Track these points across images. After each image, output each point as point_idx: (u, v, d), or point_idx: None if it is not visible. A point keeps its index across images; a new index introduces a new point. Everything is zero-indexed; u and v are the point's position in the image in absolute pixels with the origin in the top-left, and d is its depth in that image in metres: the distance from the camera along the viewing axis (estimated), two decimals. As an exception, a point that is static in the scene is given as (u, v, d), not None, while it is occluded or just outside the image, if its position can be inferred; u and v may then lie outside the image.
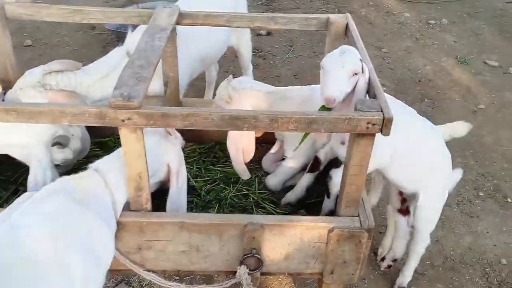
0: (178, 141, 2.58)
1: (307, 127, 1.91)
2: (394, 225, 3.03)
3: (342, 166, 2.24)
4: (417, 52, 5.80)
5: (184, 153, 2.58)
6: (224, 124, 1.93)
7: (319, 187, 2.66)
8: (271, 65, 5.54)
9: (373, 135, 1.94)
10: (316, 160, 2.61)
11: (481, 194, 3.80)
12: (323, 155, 2.57)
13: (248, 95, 2.69)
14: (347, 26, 2.64)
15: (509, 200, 3.74)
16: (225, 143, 2.72)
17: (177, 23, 2.74)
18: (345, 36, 2.67)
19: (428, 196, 2.60)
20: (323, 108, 2.13)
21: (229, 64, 5.40)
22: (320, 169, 2.61)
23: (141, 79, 2.00)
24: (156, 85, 3.04)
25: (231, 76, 2.82)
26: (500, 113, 4.78)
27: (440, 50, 5.85)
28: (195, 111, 1.92)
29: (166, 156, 2.43)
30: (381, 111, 1.90)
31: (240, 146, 2.63)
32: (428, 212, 2.66)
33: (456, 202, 3.67)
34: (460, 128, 2.88)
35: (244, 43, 3.94)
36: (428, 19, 6.59)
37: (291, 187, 2.77)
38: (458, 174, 2.84)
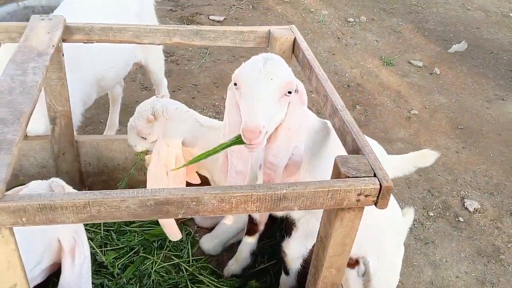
0: None
1: (274, 205, 1.29)
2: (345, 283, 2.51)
3: (297, 234, 1.67)
4: (341, 53, 5.45)
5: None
6: (147, 212, 1.24)
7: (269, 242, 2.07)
8: (187, 72, 4.82)
9: (363, 207, 1.38)
10: (251, 221, 2.01)
11: (431, 214, 3.49)
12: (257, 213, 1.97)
13: (182, 117, 2.02)
14: (294, 42, 2.04)
15: (460, 219, 3.46)
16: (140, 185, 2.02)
17: (64, 40, 1.95)
18: (293, 55, 2.08)
19: (380, 261, 2.06)
20: (235, 142, 1.48)
21: (136, 71, 4.59)
22: (260, 230, 2.03)
23: (3, 146, 1.23)
24: (39, 124, 2.22)
25: (160, 94, 2.19)
26: (434, 118, 4.57)
27: (364, 51, 5.56)
28: (98, 197, 1.20)
29: (55, 229, 1.67)
30: (374, 175, 1.34)
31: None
32: (384, 278, 2.14)
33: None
34: (426, 158, 2.45)
35: (153, 58, 3.19)
36: (346, 17, 6.29)
37: (235, 247, 2.14)
38: (410, 216, 2.39)
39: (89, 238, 2.12)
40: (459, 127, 4.49)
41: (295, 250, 1.77)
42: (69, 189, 1.74)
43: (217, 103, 4.38)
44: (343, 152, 1.57)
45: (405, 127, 4.38)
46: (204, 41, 2.06)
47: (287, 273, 1.90)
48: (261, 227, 2.00)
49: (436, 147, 4.17)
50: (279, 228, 2.24)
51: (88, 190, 2.47)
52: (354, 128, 1.50)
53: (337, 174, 1.36)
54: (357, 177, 1.32)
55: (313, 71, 1.82)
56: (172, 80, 4.58)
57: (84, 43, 2.00)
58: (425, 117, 4.58)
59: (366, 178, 1.32)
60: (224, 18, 5.80)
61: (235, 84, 1.45)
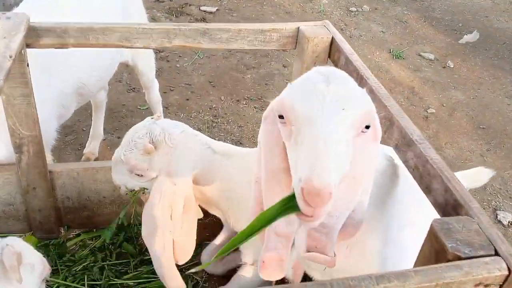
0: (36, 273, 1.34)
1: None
2: None
3: None
4: (346, 46, 4.98)
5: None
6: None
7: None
8: (179, 70, 4.32)
9: (476, 297, 0.93)
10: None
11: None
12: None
13: (190, 144, 1.57)
14: (332, 43, 1.57)
15: None
16: (134, 227, 1.59)
17: (28, 46, 1.45)
18: (329, 59, 1.62)
19: None
20: (286, 208, 0.98)
21: (121, 69, 4.08)
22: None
23: None
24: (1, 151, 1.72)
25: (157, 115, 1.68)
26: (453, 117, 4.16)
27: (370, 43, 5.11)
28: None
29: None
30: (495, 251, 0.89)
31: (170, 238, 1.50)
32: None
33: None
34: (479, 177, 2.04)
35: (143, 56, 2.67)
36: (348, 6, 5.83)
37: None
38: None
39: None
40: (481, 126, 4.09)
41: None
42: (29, 257, 1.26)
43: (214, 105, 3.90)
44: (422, 203, 1.13)
45: (423, 127, 3.96)
46: (214, 43, 1.58)
47: None
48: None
49: (459, 150, 3.77)
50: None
51: (66, 228, 1.99)
52: (444, 170, 1.05)
53: (438, 249, 0.91)
54: (473, 257, 0.87)
55: (366, 83, 1.36)
56: (162, 79, 4.08)
57: (55, 48, 1.51)
58: (444, 116, 4.17)
59: (486, 258, 0.87)
60: (217, 9, 5.29)
61: (281, 117, 0.97)
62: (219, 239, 1.85)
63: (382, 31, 5.40)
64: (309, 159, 0.88)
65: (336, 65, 1.57)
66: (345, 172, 0.94)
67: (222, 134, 3.57)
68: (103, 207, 1.93)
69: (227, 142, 3.62)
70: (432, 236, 0.93)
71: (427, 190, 1.10)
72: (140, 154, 1.52)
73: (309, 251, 1.09)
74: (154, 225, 1.49)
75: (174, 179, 1.50)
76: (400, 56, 4.92)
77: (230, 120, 3.71)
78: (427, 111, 4.18)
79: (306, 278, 1.64)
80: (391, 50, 5.02)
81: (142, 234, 1.54)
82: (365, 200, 1.06)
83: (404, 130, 1.19)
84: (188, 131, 1.62)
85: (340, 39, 1.54)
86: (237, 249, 1.69)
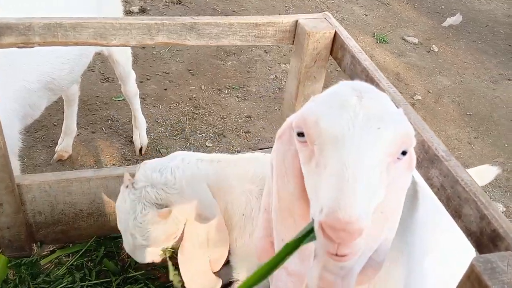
0: None
1: None
2: None
3: None
4: (329, 30, 4.82)
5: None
6: None
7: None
8: (155, 58, 4.08)
9: None
10: None
11: (455, 223, 3.01)
12: None
13: (194, 173, 1.39)
14: (335, 39, 1.41)
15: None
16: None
17: (-16, 45, 1.23)
18: (330, 56, 1.45)
19: None
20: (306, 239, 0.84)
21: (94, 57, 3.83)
22: None
23: None
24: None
25: (143, 163, 1.47)
26: (440, 103, 4.08)
27: (353, 27, 4.96)
28: None
29: None
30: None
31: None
32: None
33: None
34: (484, 176, 1.94)
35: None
36: (329, -13, 5.64)
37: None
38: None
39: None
40: (468, 113, 4.02)
41: None
42: None
43: (194, 95, 3.70)
44: (443, 224, 1.00)
45: (411, 116, 3.87)
46: (202, 39, 1.39)
47: None
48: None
49: (447, 138, 3.70)
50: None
51: (40, 245, 1.80)
52: (479, 194, 0.92)
53: (483, 295, 0.78)
54: (526, 306, 0.74)
55: (378, 86, 1.20)
56: (138, 67, 3.85)
57: (18, 47, 1.29)
58: (430, 103, 4.08)
59: (541, 307, 0.75)
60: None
61: (301, 135, 0.81)
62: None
63: (365, 14, 5.25)
64: (334, 186, 0.72)
65: (339, 65, 1.41)
66: (376, 205, 0.79)
67: (203, 126, 3.38)
68: (80, 221, 1.74)
69: (209, 135, 3.45)
70: (474, 279, 0.80)
71: (457, 214, 0.97)
72: (160, 226, 1.33)
73: None
74: (191, 263, 1.34)
75: (203, 214, 1.33)
76: (384, 41, 4.79)
77: (211, 111, 3.52)
78: (413, 98, 4.08)
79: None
80: (375, 34, 4.88)
81: (185, 280, 1.37)
82: (390, 239, 0.92)
83: (426, 143, 1.04)
84: (179, 164, 1.40)
85: (345, 35, 1.38)
86: (227, 263, 1.55)
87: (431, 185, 1.04)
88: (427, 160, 1.05)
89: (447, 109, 4.02)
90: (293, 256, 0.86)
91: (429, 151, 1.04)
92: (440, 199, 1.02)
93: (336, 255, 0.73)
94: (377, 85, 1.22)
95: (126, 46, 1.40)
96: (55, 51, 1.89)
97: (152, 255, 1.40)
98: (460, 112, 3.99)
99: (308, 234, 0.79)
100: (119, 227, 1.40)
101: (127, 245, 1.40)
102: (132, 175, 1.38)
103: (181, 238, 1.37)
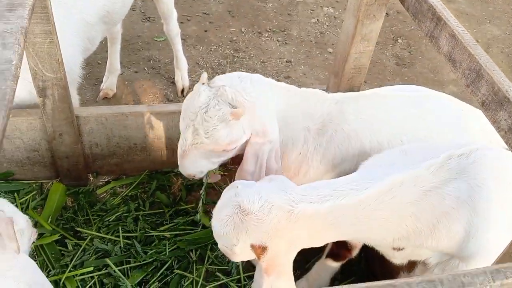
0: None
1: None
2: None
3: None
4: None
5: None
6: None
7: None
8: (193, -1, 4.02)
9: None
10: (343, 245, 1.47)
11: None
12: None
13: (265, 87, 1.41)
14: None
15: None
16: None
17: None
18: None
19: None
20: None
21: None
22: (352, 256, 1.49)
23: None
24: (22, 91, 1.57)
25: (204, 77, 1.43)
26: (489, 53, 3.89)
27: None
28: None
29: None
30: None
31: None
32: None
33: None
34: None
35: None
36: None
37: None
38: None
39: (104, 251, 1.58)
40: (517, 65, 3.86)
41: None
42: (18, 221, 1.12)
43: (234, 38, 3.65)
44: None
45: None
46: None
47: None
48: (355, 253, 1.46)
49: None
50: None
51: (95, 175, 1.89)
52: None
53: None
54: None
55: (445, 26, 1.16)
56: (178, 8, 3.78)
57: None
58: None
59: None
60: None
61: None
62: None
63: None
64: None
65: (402, 2, 1.36)
66: None
67: (244, 69, 3.37)
68: (133, 154, 1.81)
69: (249, 78, 3.44)
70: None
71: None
72: (227, 125, 1.29)
73: None
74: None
75: (267, 132, 1.32)
76: None
77: (252, 55, 3.49)
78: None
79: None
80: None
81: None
82: None
83: (496, 85, 1.02)
84: (257, 79, 1.39)
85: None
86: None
87: (498, 128, 1.03)
88: (495, 103, 1.03)
89: (496, 60, 3.86)
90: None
91: (499, 93, 1.01)
92: (506, 143, 1.01)
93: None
94: (444, 24, 1.18)
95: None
96: None
97: (198, 166, 1.38)
98: (509, 64, 3.83)
99: None
100: (181, 125, 1.37)
101: (183, 145, 1.36)
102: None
103: (236, 160, 1.38)
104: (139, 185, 1.83)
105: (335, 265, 1.52)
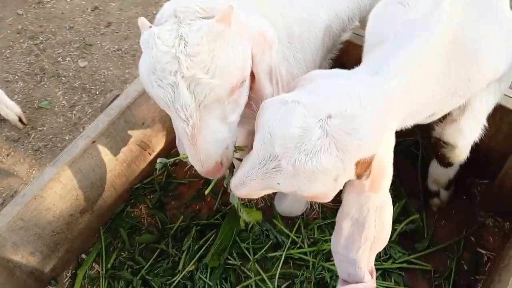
0: None
1: None
2: None
3: (472, 114, 1.40)
4: None
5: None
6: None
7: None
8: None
9: None
10: None
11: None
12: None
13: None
14: None
15: None
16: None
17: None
18: None
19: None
20: None
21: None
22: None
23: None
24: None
25: (141, 19, 1.20)
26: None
27: None
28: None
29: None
30: None
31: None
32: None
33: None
34: None
35: None
36: None
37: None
38: None
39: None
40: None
41: (470, 134, 1.41)
42: None
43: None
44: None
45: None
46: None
47: (449, 164, 1.57)
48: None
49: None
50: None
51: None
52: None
53: None
54: None
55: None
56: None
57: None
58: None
59: None
60: None
61: None
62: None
63: None
64: None
65: None
66: None
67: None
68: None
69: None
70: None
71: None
72: (223, 40, 1.00)
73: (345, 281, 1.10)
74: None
75: (266, 37, 1.15)
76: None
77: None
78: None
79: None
80: None
81: None
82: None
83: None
84: None
85: None
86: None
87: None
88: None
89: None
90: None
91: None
92: None
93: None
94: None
95: None
96: None
97: (218, 137, 1.12)
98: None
99: None
100: (158, 101, 1.07)
101: (187, 118, 1.04)
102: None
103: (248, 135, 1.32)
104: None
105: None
